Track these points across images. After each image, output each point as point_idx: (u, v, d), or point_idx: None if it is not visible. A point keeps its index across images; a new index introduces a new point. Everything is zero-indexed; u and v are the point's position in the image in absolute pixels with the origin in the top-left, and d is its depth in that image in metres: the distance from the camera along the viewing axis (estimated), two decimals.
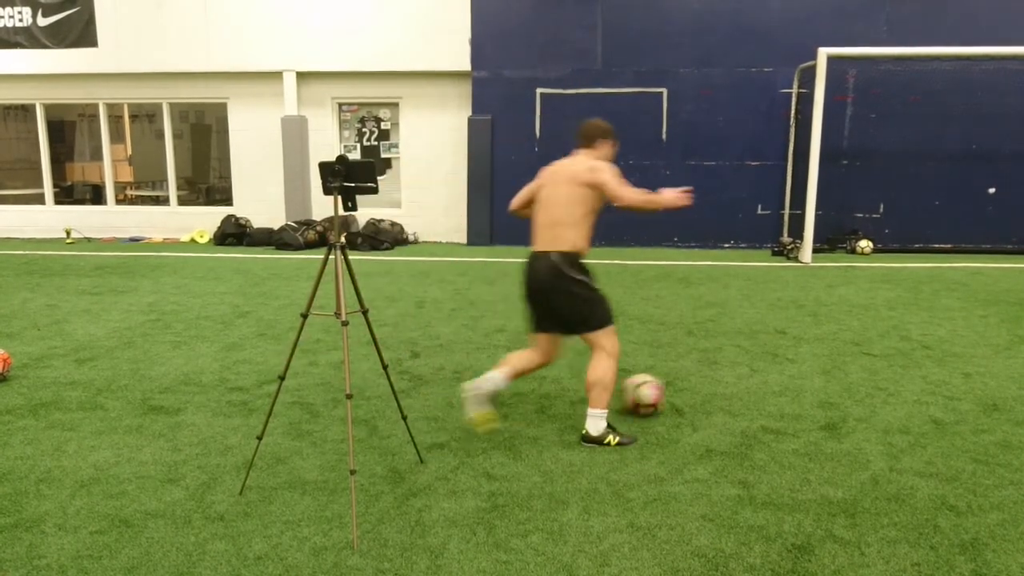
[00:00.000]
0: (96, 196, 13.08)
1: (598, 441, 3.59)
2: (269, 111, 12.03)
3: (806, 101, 10.35)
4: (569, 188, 3.60)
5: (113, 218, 12.69)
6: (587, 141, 3.76)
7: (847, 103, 10.71)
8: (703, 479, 3.22)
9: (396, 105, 12.01)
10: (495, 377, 3.63)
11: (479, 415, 3.62)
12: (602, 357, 3.60)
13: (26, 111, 12.90)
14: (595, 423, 3.60)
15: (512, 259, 10.03)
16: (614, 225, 11.20)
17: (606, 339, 3.62)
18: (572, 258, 3.60)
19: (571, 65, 11.02)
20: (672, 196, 3.51)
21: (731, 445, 3.60)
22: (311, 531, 2.77)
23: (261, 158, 12.23)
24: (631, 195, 3.50)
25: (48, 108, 12.83)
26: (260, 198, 12.29)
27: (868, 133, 10.73)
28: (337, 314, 2.92)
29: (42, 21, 11.83)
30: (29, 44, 11.93)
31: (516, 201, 3.94)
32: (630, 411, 4.01)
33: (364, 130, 12.21)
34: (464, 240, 11.78)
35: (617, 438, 3.60)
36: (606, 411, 3.61)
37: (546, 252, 3.59)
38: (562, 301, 3.58)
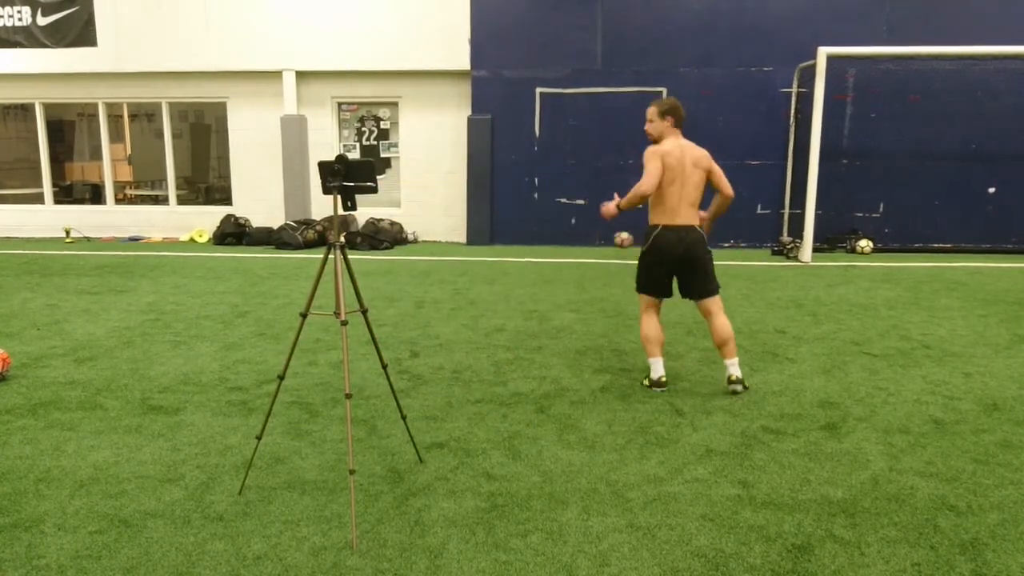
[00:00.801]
0: (95, 196, 13.07)
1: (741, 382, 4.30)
2: (269, 110, 12.03)
3: (806, 100, 10.35)
4: (698, 172, 4.33)
5: (112, 218, 12.69)
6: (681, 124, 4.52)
7: (847, 102, 10.71)
8: (703, 479, 3.22)
9: (396, 104, 12.01)
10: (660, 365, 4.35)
11: None
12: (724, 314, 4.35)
13: (25, 110, 12.89)
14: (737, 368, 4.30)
15: (512, 259, 10.03)
16: (614, 224, 11.22)
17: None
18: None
19: (571, 65, 11.02)
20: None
21: (731, 445, 3.60)
22: (310, 531, 2.76)
23: (260, 158, 12.22)
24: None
25: (47, 107, 12.82)
26: (259, 197, 12.29)
27: (868, 132, 10.73)
28: (336, 314, 2.92)
29: (41, 20, 11.83)
30: (28, 43, 11.93)
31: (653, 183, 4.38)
32: None
33: (363, 129, 12.21)
34: (464, 240, 11.78)
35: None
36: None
37: (691, 225, 4.27)
38: (708, 267, 4.31)
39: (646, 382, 4.45)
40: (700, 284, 4.30)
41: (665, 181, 4.32)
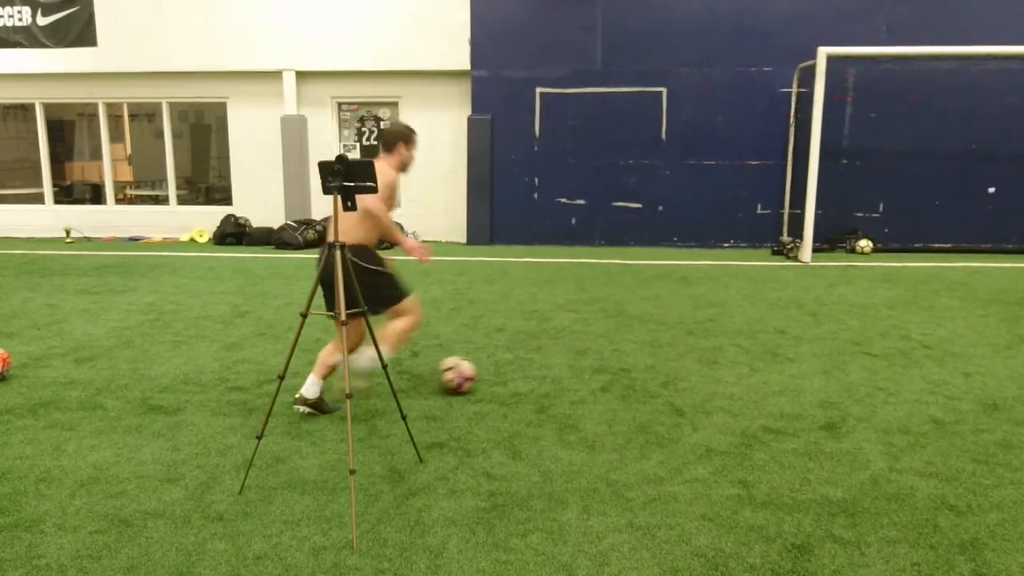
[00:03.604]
0: (95, 195, 13.06)
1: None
2: (269, 110, 12.02)
3: (806, 100, 10.35)
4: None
5: (112, 217, 12.68)
6: (385, 147, 4.07)
7: (847, 102, 10.71)
8: (703, 479, 3.22)
9: (396, 104, 12.00)
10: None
11: None
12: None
13: (25, 110, 12.89)
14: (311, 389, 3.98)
15: (512, 259, 10.02)
16: (614, 224, 11.23)
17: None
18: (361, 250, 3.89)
19: (571, 65, 11.01)
20: (412, 245, 3.97)
21: (731, 445, 3.60)
22: (310, 531, 2.76)
23: (261, 157, 12.22)
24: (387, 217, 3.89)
25: (48, 107, 12.81)
26: (259, 197, 12.28)
27: (868, 133, 10.73)
28: (337, 314, 2.92)
29: (42, 20, 11.82)
30: (29, 43, 11.92)
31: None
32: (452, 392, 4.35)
33: (364, 129, 12.21)
34: (464, 239, 11.78)
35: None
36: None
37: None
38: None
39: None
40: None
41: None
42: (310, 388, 3.96)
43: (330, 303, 3.89)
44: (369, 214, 3.79)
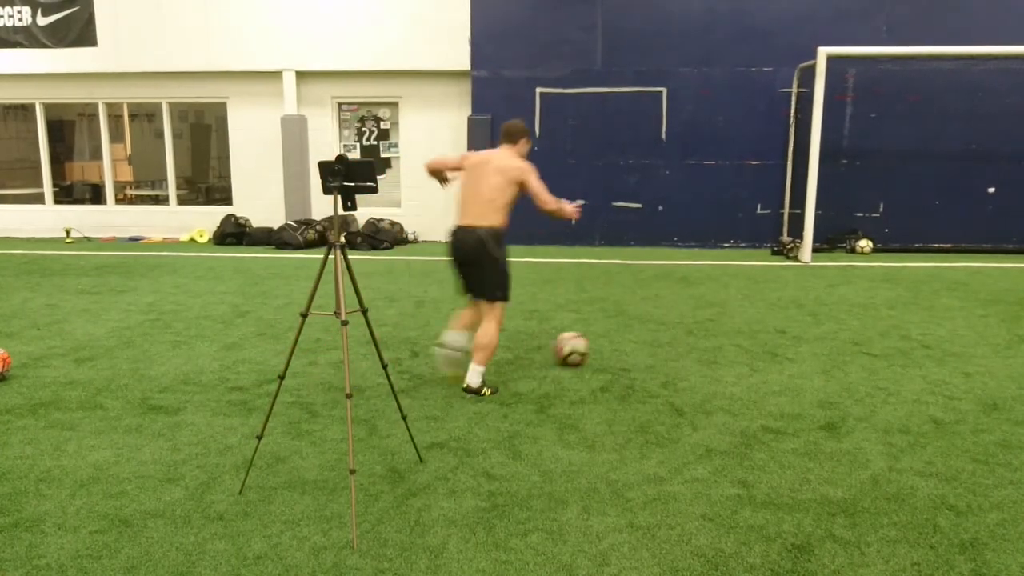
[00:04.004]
0: (96, 196, 13.06)
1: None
2: (269, 111, 12.03)
3: (806, 101, 10.35)
4: (498, 178, 4.30)
5: (113, 217, 12.68)
6: (511, 139, 4.46)
7: (847, 103, 10.71)
8: (703, 479, 3.22)
9: (396, 104, 12.01)
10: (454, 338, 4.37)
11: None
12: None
13: (26, 111, 12.89)
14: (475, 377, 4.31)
15: (512, 259, 10.02)
16: (614, 224, 11.22)
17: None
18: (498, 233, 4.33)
19: (571, 65, 11.02)
20: (570, 208, 4.46)
21: (731, 445, 3.60)
22: (311, 531, 2.76)
23: (261, 158, 12.22)
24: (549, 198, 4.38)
25: (48, 107, 12.82)
26: (260, 197, 12.29)
27: (868, 133, 10.73)
28: (337, 314, 2.92)
29: (42, 20, 11.83)
30: (29, 43, 11.93)
31: (437, 163, 4.50)
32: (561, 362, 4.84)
33: (364, 129, 12.21)
34: None
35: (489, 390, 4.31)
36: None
37: (474, 227, 4.27)
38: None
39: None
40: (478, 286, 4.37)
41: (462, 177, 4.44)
42: (474, 377, 4.30)
43: (468, 285, 4.42)
44: (499, 197, 4.30)
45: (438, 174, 4.52)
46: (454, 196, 4.47)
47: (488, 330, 4.28)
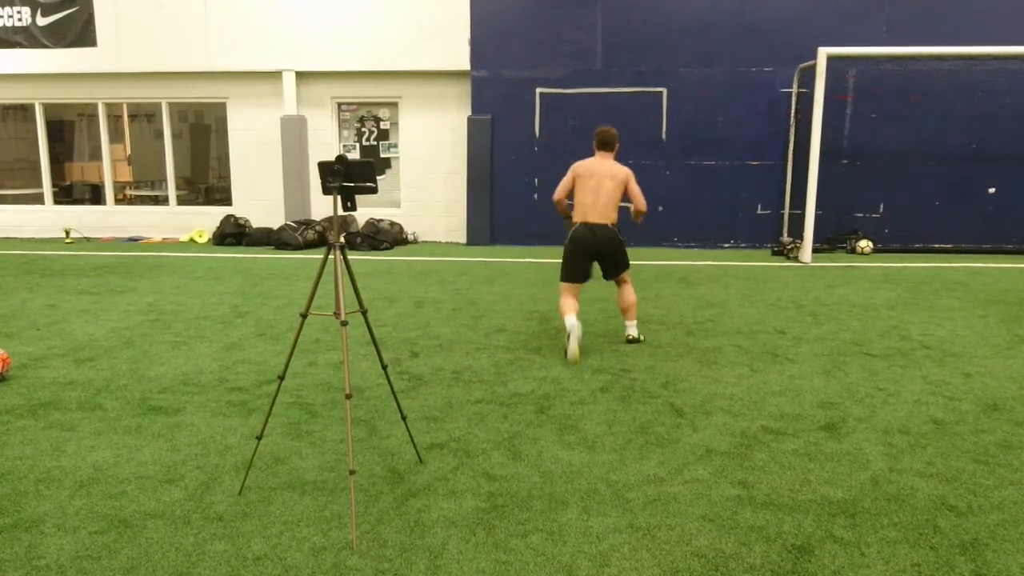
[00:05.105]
0: (95, 196, 13.06)
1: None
2: (268, 111, 12.03)
3: (806, 101, 10.35)
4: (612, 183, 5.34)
5: (112, 218, 12.68)
6: (609, 147, 5.46)
7: (847, 103, 10.70)
8: (703, 479, 3.22)
9: (395, 105, 12.00)
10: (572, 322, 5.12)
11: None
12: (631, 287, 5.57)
13: (25, 111, 12.89)
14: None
15: (511, 259, 10.03)
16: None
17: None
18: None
19: (571, 65, 11.02)
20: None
21: (731, 445, 3.60)
22: (310, 531, 2.76)
23: (260, 158, 12.22)
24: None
25: (47, 108, 12.82)
26: (259, 198, 12.29)
27: (868, 133, 10.73)
28: (336, 314, 2.92)
29: (41, 21, 11.82)
30: (28, 44, 11.92)
31: (563, 196, 5.52)
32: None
33: (363, 130, 12.21)
34: (464, 240, 11.78)
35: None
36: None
37: (603, 224, 5.32)
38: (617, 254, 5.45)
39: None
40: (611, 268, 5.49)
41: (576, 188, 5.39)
42: (635, 330, 5.56)
43: (604, 270, 5.49)
44: (620, 198, 5.36)
45: (563, 207, 5.56)
46: (578, 200, 5.35)
47: (631, 292, 5.51)
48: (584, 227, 5.27)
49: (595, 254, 5.33)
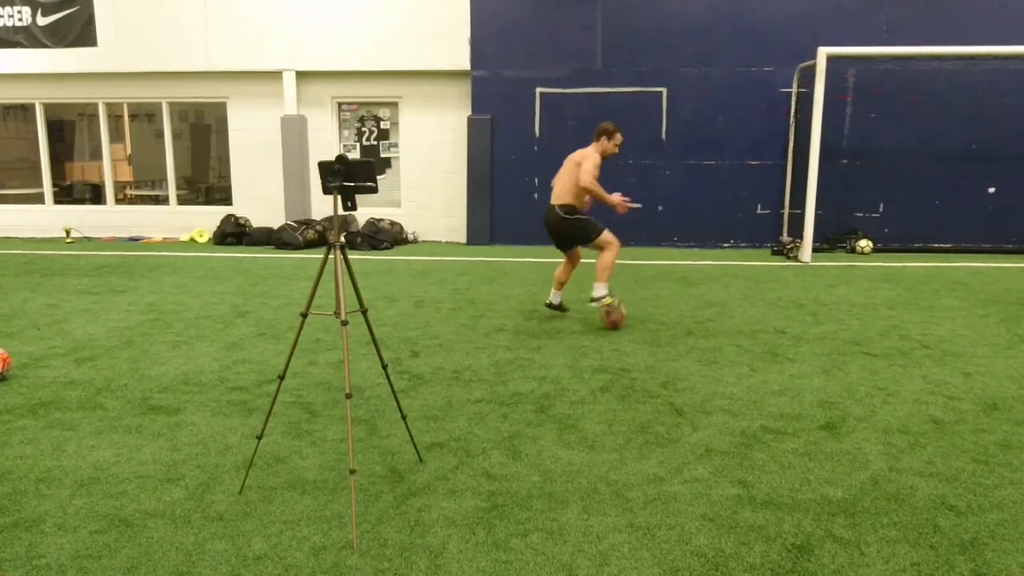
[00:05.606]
0: (96, 196, 13.06)
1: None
2: (269, 111, 12.03)
3: (806, 100, 10.36)
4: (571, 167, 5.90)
5: (113, 217, 12.69)
6: (594, 137, 5.94)
7: (847, 102, 10.71)
8: (703, 479, 3.22)
9: (396, 104, 12.01)
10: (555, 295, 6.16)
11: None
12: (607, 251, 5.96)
13: (25, 111, 12.89)
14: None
15: (512, 259, 10.03)
16: (614, 224, 11.21)
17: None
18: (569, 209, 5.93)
19: (571, 65, 11.02)
20: (615, 197, 5.75)
21: (731, 445, 3.60)
22: (310, 531, 2.76)
23: (261, 157, 12.22)
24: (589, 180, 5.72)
25: (48, 107, 12.82)
26: (259, 197, 12.29)
27: (868, 132, 10.73)
28: (336, 314, 2.92)
29: (41, 20, 11.83)
30: (29, 43, 11.93)
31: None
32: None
33: (364, 129, 12.21)
34: (464, 239, 11.78)
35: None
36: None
37: (552, 205, 5.95)
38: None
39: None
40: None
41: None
42: (555, 297, 6.24)
43: (557, 244, 6.10)
44: (577, 182, 5.75)
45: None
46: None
47: (599, 258, 5.97)
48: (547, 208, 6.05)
49: (548, 231, 6.04)
